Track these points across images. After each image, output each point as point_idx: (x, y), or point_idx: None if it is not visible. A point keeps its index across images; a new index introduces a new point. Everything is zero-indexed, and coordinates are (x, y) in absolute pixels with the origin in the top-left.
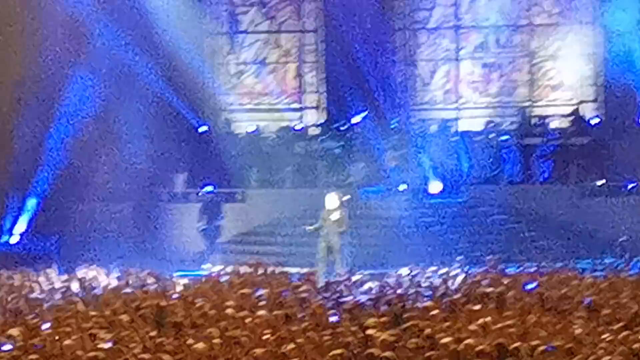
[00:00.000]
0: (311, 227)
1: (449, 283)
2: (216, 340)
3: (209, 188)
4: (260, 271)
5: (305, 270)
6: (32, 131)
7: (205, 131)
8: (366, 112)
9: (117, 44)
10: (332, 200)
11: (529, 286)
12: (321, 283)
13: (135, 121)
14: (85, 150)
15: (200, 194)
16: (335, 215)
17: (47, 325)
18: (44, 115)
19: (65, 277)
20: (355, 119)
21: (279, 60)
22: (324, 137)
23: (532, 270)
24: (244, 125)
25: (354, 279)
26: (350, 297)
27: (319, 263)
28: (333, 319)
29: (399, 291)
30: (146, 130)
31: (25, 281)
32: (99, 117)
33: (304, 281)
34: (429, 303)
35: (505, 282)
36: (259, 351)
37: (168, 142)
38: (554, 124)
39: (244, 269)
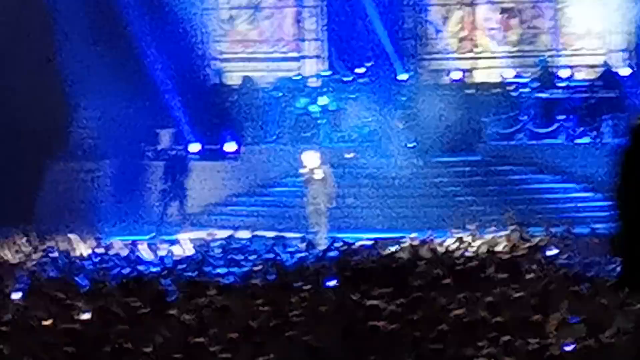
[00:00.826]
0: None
1: (463, 249)
2: (205, 311)
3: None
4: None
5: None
6: None
7: (195, 82)
8: (372, 63)
9: None
10: (310, 158)
11: (551, 252)
12: (322, 247)
13: (117, 72)
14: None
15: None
16: (318, 174)
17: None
18: None
19: (40, 244)
20: (360, 70)
21: (276, 4)
22: (325, 89)
23: (555, 234)
24: (236, 76)
25: (358, 244)
26: (353, 264)
27: (315, 227)
28: (331, 283)
29: (406, 258)
30: (128, 82)
31: None
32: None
33: (302, 246)
34: (439, 271)
35: (525, 247)
36: (253, 322)
37: (153, 95)
38: (579, 76)
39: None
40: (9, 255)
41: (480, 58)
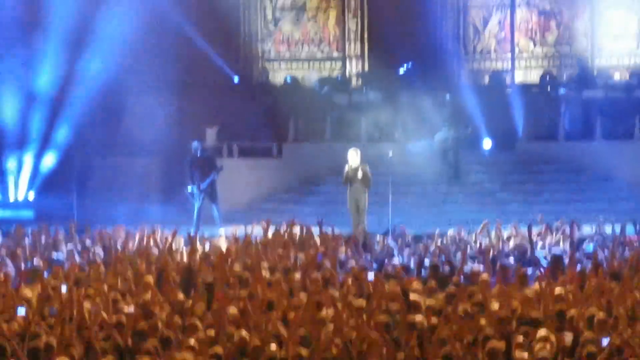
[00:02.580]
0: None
1: (501, 245)
2: (249, 304)
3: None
4: (296, 230)
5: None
6: None
7: (239, 81)
8: (411, 64)
9: None
10: (353, 156)
11: (588, 248)
12: (361, 242)
13: (164, 71)
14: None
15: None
16: (359, 174)
17: (65, 287)
18: None
19: (85, 236)
20: (401, 70)
21: (320, 5)
22: (367, 88)
23: (591, 232)
24: (281, 74)
25: (398, 240)
26: (393, 260)
27: (355, 222)
28: (370, 276)
29: (445, 253)
30: (176, 81)
31: (44, 240)
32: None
33: (343, 242)
34: (477, 266)
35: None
36: (293, 316)
37: (199, 93)
38: (617, 76)
39: (281, 228)
40: (57, 247)
41: (519, 58)
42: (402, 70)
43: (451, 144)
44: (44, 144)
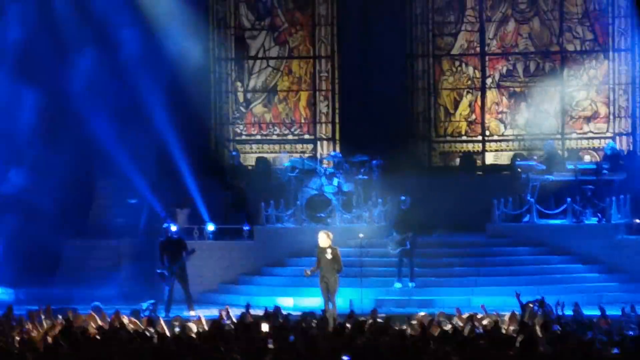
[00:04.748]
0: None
1: (473, 326)
2: None
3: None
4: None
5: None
6: None
7: (211, 163)
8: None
9: (113, 68)
10: (323, 238)
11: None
12: (331, 325)
13: (136, 153)
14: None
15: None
16: (328, 255)
17: None
18: None
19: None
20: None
21: (291, 87)
22: (338, 171)
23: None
24: (252, 156)
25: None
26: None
27: (326, 305)
28: None
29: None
30: (147, 163)
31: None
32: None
33: (314, 324)
34: (448, 348)
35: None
36: None
37: (170, 175)
38: (586, 158)
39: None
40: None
41: (489, 141)
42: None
43: (409, 247)
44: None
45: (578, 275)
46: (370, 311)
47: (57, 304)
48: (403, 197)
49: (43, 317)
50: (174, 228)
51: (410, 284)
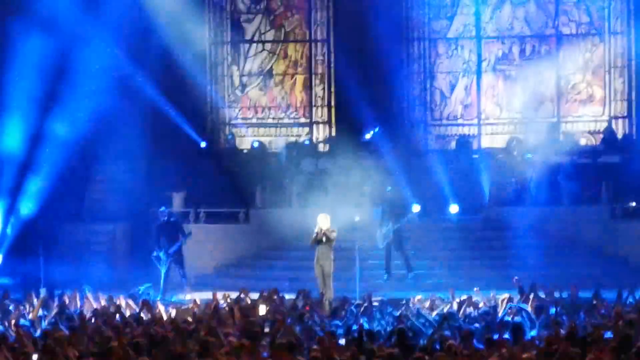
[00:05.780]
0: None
1: (467, 311)
2: None
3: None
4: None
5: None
6: None
7: (206, 147)
8: (377, 129)
9: (113, 55)
10: (323, 220)
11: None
12: (327, 309)
13: (132, 137)
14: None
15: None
16: (324, 238)
17: (36, 356)
18: None
19: (53, 302)
20: (367, 135)
21: (287, 71)
22: (335, 153)
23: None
24: (248, 140)
25: (375, 304)
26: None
27: (322, 289)
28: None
29: (412, 321)
30: (143, 147)
31: (13, 307)
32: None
33: (309, 308)
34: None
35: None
36: None
37: (166, 159)
38: (583, 141)
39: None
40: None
41: (485, 124)
42: (369, 136)
43: (393, 238)
44: (10, 208)
45: (573, 260)
46: (365, 295)
47: (53, 287)
48: (389, 188)
49: (38, 300)
50: (164, 210)
51: (409, 275)
